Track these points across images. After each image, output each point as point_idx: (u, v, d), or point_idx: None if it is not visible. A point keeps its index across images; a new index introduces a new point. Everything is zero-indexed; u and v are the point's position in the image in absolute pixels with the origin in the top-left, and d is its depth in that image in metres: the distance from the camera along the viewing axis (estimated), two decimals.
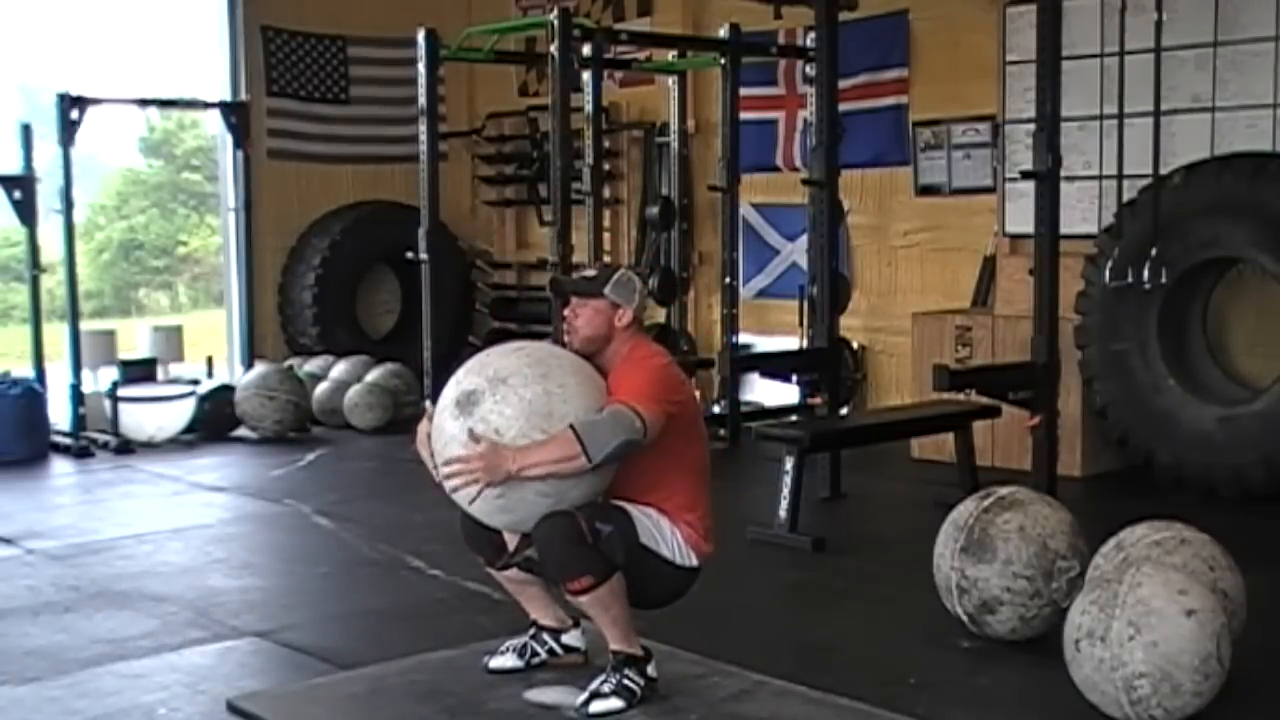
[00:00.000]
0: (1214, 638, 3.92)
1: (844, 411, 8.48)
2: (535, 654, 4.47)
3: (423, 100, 8.98)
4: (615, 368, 4.18)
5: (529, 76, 11.90)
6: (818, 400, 7.72)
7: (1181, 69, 7.67)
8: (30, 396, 8.98)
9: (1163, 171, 7.34)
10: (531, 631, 4.50)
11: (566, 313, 4.29)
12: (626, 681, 4.11)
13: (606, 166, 9.97)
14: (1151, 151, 7.24)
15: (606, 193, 10.35)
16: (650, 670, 4.17)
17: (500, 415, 3.93)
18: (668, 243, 10.20)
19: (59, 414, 9.32)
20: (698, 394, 9.41)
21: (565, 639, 4.49)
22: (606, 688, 4.10)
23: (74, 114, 9.30)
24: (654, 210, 10.08)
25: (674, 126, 9.96)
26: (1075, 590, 4.44)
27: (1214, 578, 4.34)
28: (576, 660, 4.46)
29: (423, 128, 9.03)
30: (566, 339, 4.28)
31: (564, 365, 4.10)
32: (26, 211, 9.22)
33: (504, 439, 3.91)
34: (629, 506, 4.11)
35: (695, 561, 4.23)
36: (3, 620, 5.33)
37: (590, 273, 4.39)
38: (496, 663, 4.46)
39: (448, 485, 4.04)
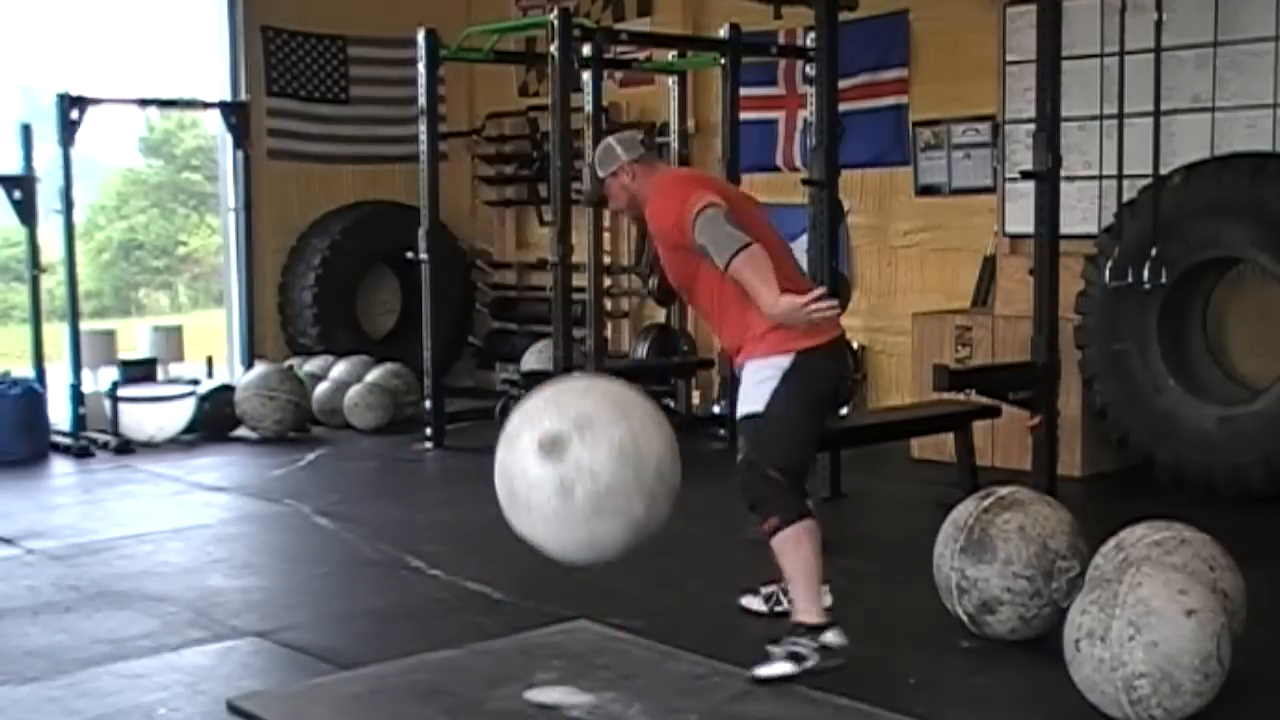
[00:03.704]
0: (1214, 638, 3.92)
1: (844, 411, 8.48)
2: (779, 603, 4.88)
3: (423, 100, 8.99)
4: (648, 205, 4.60)
5: (529, 76, 11.90)
6: None
7: (1181, 69, 7.67)
8: (30, 396, 8.97)
9: (1163, 171, 7.35)
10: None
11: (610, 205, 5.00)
12: (797, 648, 4.29)
13: None
14: (1151, 151, 7.25)
15: None
16: (829, 637, 4.33)
17: (594, 458, 3.87)
18: None
19: (59, 414, 9.32)
20: (697, 396, 9.46)
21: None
22: (779, 652, 4.30)
23: (74, 114, 9.29)
24: None
25: (674, 126, 9.96)
26: (1075, 590, 4.44)
27: (1214, 578, 4.34)
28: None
29: (423, 128, 9.04)
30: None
31: (636, 401, 4.11)
32: (27, 211, 9.23)
33: (601, 482, 3.86)
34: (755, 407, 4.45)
35: (787, 361, 4.40)
36: (3, 620, 5.33)
37: (587, 171, 4.91)
38: (745, 601, 5.05)
39: None
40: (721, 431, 8.84)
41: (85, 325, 10.00)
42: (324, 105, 11.81)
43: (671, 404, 9.43)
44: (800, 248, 9.41)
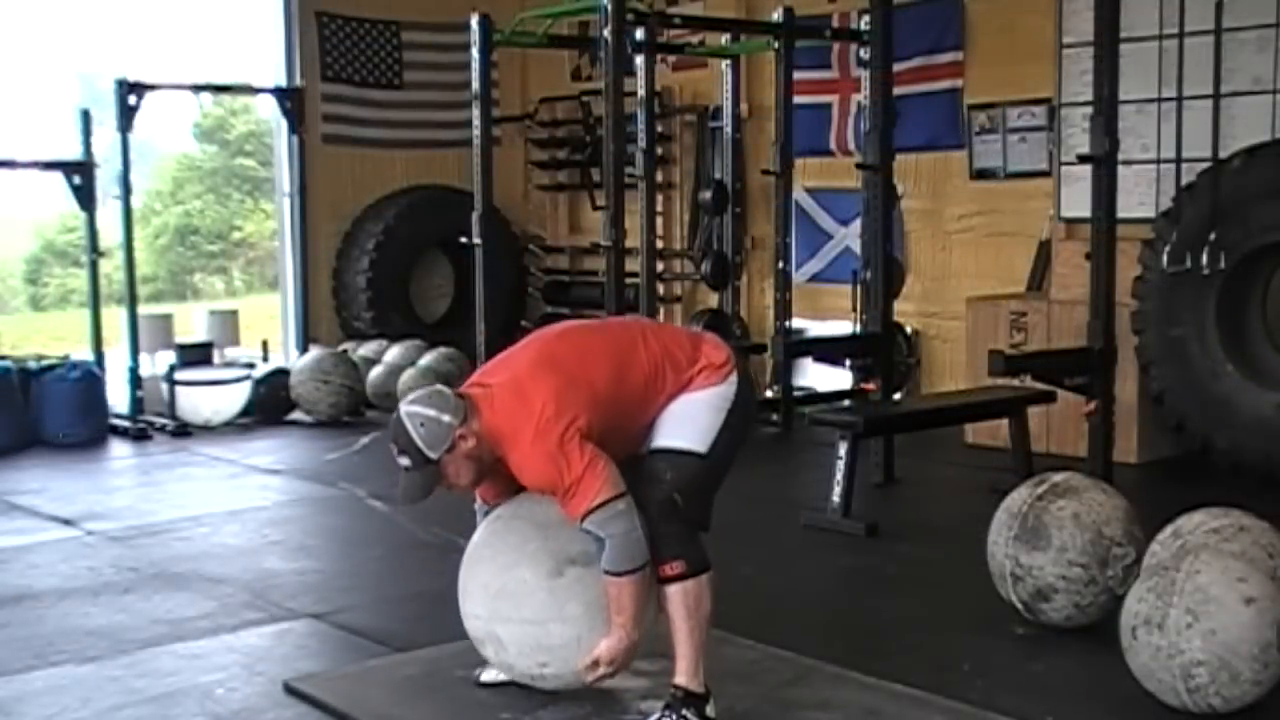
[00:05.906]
0: (1273, 626, 3.88)
1: (897, 396, 8.45)
2: None
3: (476, 85, 8.99)
4: (510, 462, 3.88)
5: (581, 61, 11.91)
6: (871, 385, 7.70)
7: (1242, 50, 7.57)
8: (89, 380, 9.08)
9: (1222, 155, 7.26)
10: None
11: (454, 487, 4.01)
12: None
13: (659, 151, 9.96)
14: (1210, 134, 7.16)
15: (659, 177, 10.35)
16: (709, 711, 3.85)
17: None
18: (720, 227, 10.19)
19: (117, 397, 9.43)
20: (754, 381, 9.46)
21: None
22: None
23: (132, 100, 9.38)
24: (707, 195, 10.07)
25: (727, 110, 9.94)
26: (1131, 578, 4.40)
27: (1273, 565, 4.29)
28: None
29: (476, 113, 9.05)
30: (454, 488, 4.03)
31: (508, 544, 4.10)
32: (86, 196, 9.32)
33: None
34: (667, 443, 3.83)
35: (731, 389, 3.87)
36: (64, 600, 5.40)
37: (405, 461, 3.83)
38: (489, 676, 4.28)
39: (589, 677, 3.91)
40: (774, 416, 8.82)
41: (143, 310, 10.10)
42: (378, 90, 11.87)
43: None
44: (854, 232, 9.45)
